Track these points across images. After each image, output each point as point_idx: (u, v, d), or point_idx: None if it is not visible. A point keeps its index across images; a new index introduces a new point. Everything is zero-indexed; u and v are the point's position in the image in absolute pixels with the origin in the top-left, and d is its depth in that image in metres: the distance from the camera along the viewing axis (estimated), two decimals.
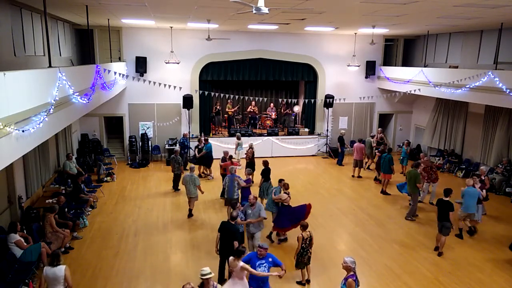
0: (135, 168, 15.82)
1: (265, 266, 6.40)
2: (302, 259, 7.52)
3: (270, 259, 6.49)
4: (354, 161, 15.02)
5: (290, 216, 9.08)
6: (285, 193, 9.34)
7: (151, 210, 11.47)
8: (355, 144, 15.12)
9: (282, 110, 19.48)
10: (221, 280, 7.39)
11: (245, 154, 13.77)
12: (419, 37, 17.82)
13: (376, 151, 15.15)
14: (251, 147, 13.67)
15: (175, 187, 13.09)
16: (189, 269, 8.26)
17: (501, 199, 12.76)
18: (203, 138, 15.26)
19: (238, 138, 15.20)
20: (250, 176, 11.93)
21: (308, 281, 7.79)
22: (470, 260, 8.83)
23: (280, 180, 9.79)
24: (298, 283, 7.74)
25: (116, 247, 9.12)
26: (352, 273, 5.78)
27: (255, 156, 13.49)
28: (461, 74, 12.84)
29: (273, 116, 19.21)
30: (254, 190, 11.01)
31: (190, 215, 10.94)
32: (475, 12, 9.80)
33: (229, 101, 18.63)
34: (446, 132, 16.48)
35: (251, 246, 8.35)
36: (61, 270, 6.10)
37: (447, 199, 8.94)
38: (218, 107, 18.47)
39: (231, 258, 6.39)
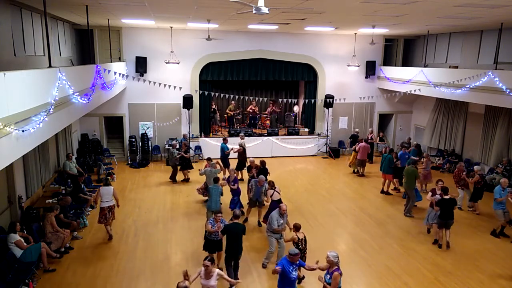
0: (135, 168, 15.82)
1: (295, 269, 6.30)
2: None
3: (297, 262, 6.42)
4: (358, 161, 15.00)
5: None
6: (271, 189, 9.71)
7: (151, 210, 11.48)
8: (359, 144, 15.05)
9: (272, 109, 19.21)
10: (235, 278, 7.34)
11: (235, 152, 13.88)
12: (419, 37, 17.81)
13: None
14: (240, 145, 13.67)
15: (173, 179, 13.76)
16: (189, 268, 8.20)
17: None
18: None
19: (242, 138, 14.66)
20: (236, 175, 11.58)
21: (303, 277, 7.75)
22: (471, 260, 8.82)
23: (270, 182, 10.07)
24: None
25: (116, 247, 9.12)
26: (336, 267, 5.89)
27: (252, 156, 13.47)
28: (461, 74, 12.84)
29: None
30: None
31: None
32: (475, 12, 9.79)
33: (232, 102, 18.60)
34: (446, 132, 16.47)
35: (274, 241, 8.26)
36: (111, 188, 9.43)
37: (447, 197, 8.99)
38: (213, 107, 18.42)
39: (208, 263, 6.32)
